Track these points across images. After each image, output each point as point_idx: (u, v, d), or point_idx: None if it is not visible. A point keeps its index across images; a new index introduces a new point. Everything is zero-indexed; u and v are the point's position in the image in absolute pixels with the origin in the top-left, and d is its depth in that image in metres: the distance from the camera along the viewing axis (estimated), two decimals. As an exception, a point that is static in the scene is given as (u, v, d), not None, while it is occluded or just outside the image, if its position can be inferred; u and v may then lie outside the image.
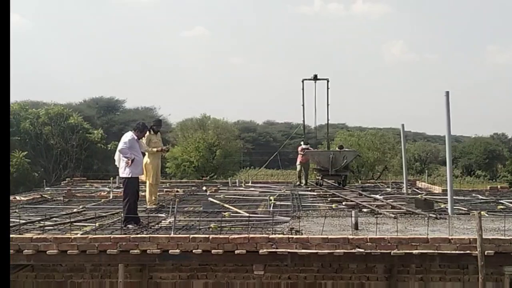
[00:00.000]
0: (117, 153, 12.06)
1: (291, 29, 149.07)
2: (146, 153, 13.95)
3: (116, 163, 12.10)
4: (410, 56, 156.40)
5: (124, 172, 11.73)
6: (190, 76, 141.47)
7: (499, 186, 22.42)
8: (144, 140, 13.48)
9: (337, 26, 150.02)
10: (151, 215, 13.19)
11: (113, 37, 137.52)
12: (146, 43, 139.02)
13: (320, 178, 22.28)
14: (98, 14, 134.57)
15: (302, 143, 23.24)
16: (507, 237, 9.86)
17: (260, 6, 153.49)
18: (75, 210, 14.39)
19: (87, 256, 9.77)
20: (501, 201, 16.38)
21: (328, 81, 23.49)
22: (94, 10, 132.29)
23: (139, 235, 10.12)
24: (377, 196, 17.29)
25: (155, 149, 14.23)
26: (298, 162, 22.94)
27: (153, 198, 14.60)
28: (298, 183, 22.79)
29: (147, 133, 13.84)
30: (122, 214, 11.94)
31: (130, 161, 11.60)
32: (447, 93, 13.30)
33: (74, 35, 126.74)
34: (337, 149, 23.20)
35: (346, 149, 23.77)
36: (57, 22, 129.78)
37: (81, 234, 10.34)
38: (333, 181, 22.04)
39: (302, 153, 22.36)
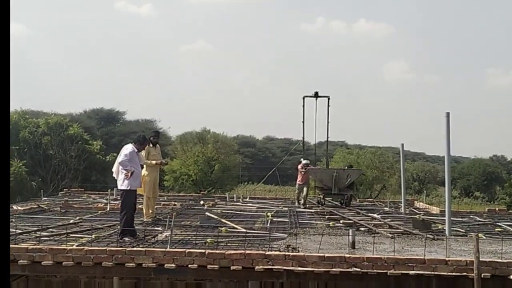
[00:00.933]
0: (115, 165, 12.04)
1: (293, 46, 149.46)
2: (144, 166, 13.93)
3: (115, 175, 12.07)
4: (410, 76, 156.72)
5: (122, 184, 11.71)
6: (191, 89, 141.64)
7: (497, 208, 22.38)
8: (143, 152, 13.48)
9: (339, 44, 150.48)
10: (148, 228, 13.14)
11: (114, 49, 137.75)
12: (147, 56, 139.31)
13: (322, 197, 21.19)
14: (100, 25, 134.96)
15: (302, 159, 21.85)
16: (504, 260, 9.83)
17: (262, 23, 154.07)
18: (71, 221, 14.33)
19: (82, 268, 9.75)
20: (499, 223, 16.34)
21: (329, 99, 23.60)
22: (96, 22, 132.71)
23: (135, 248, 10.08)
24: (375, 215, 17.25)
25: (153, 162, 14.23)
26: (298, 183, 21.26)
27: (150, 211, 14.58)
28: (296, 204, 21.09)
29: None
30: (118, 227, 11.90)
31: (129, 174, 11.59)
32: (448, 114, 13.30)
33: (75, 46, 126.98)
34: (345, 167, 22.14)
35: (351, 168, 22.84)
36: (58, 33, 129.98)
37: (77, 246, 10.31)
38: (336, 200, 21.11)
39: (303, 170, 20.83)
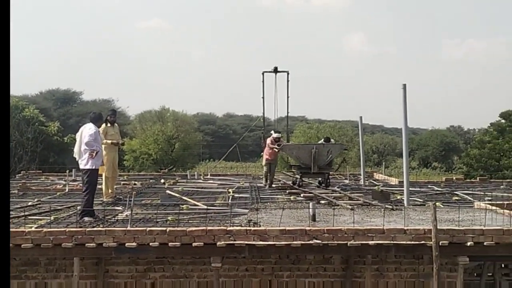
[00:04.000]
0: (77, 145, 11.90)
1: (251, 22, 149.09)
2: (102, 146, 13.79)
3: (76, 155, 11.92)
4: (369, 49, 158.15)
5: (87, 164, 11.59)
6: (149, 68, 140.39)
7: (454, 178, 22.86)
8: (100, 131, 13.35)
9: (297, 19, 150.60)
10: (108, 208, 13.04)
11: (68, 26, 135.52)
12: (101, 34, 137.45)
13: (299, 177, 18.20)
14: (53, 3, 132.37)
15: (272, 132, 19.00)
16: (461, 228, 10.05)
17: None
18: (29, 203, 14.14)
19: (42, 250, 9.66)
20: (456, 192, 16.66)
21: (288, 74, 23.54)
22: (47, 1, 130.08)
23: (95, 228, 10.02)
24: (335, 188, 17.40)
25: (109, 142, 14.07)
26: (265, 160, 18.30)
27: (110, 191, 14.46)
28: (264, 185, 18.34)
29: (104, 125, 13.68)
30: (79, 207, 11.79)
31: (94, 153, 11.49)
32: (404, 86, 13.45)
33: (28, 25, 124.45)
34: (322, 141, 19.27)
35: (331, 142, 19.92)
36: (10, 12, 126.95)
37: (36, 228, 10.19)
38: (316, 180, 18.90)
39: (275, 146, 17.85)
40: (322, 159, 17.54)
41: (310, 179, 19.16)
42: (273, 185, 18.45)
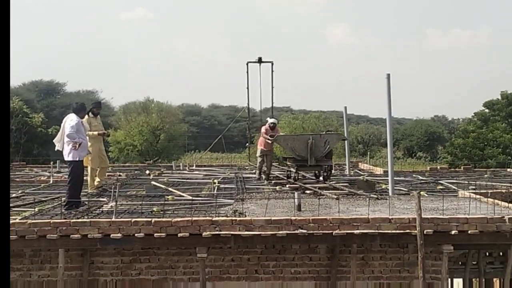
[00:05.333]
0: (58, 136, 11.85)
1: (235, 13, 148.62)
2: (87, 137, 13.72)
3: (59, 147, 11.85)
4: (352, 40, 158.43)
5: (69, 156, 11.54)
6: (133, 59, 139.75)
7: (438, 167, 22.93)
8: (85, 122, 13.27)
9: (282, 9, 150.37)
10: (92, 199, 12.98)
11: (52, 19, 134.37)
12: (86, 26, 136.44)
13: (295, 170, 16.57)
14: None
15: (268, 118, 17.80)
16: (446, 216, 10.11)
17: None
18: (14, 195, 14.03)
19: (27, 242, 9.65)
20: (440, 181, 16.74)
21: (272, 64, 23.55)
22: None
23: (79, 220, 10.00)
24: (320, 178, 17.38)
25: (95, 133, 14.00)
26: (259, 151, 17.23)
27: (96, 182, 14.40)
28: (258, 177, 17.54)
29: (87, 116, 13.61)
30: (63, 199, 11.73)
31: (77, 145, 11.43)
32: (388, 75, 13.42)
33: (12, 17, 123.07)
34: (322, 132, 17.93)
35: (329, 132, 18.63)
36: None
37: (20, 219, 10.13)
38: (313, 173, 17.64)
39: (268, 137, 16.67)
40: (319, 150, 16.10)
41: (307, 172, 17.86)
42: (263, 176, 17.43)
